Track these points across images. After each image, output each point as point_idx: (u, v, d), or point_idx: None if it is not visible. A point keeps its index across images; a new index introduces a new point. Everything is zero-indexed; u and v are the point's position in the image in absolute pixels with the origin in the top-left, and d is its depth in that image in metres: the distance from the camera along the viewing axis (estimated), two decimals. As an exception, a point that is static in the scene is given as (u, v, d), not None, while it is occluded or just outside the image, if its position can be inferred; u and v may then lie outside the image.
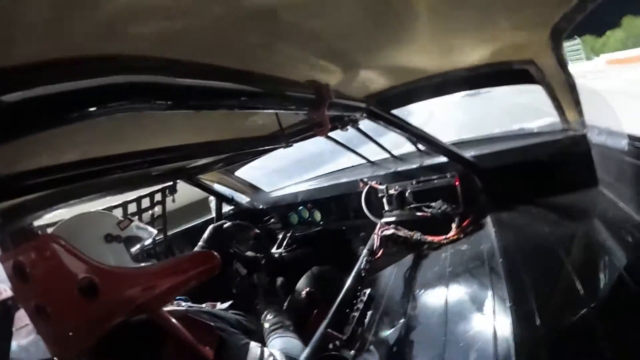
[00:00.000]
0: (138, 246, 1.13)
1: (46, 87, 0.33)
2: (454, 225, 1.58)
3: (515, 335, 0.85)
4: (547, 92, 1.36)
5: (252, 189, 2.71)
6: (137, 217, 1.83)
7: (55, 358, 0.88)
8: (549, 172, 1.52)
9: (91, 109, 0.37)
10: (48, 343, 0.87)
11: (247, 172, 2.64)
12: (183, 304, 1.26)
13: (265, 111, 0.73)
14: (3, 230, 1.07)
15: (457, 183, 1.67)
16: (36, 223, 1.36)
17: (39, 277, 0.85)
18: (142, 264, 1.06)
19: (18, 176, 0.86)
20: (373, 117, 1.38)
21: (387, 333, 1.10)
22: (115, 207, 1.70)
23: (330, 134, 1.85)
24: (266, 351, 1.03)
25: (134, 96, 0.39)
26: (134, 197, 1.91)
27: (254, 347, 1.02)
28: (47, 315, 0.85)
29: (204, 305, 1.43)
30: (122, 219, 1.10)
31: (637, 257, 0.94)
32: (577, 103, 1.33)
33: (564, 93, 1.30)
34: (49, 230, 1.03)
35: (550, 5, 0.86)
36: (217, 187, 2.53)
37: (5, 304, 1.41)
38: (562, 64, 1.16)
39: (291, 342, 1.16)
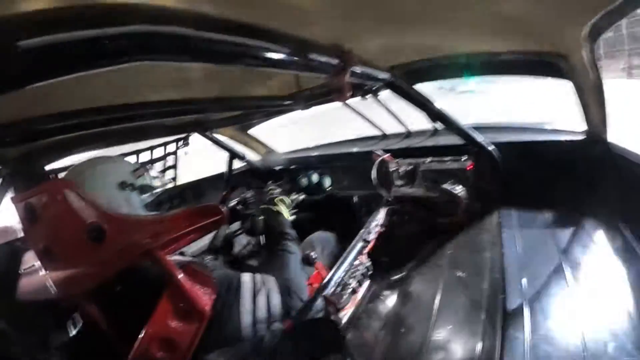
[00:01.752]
0: (149, 194, 1.16)
1: (64, 34, 0.32)
2: (460, 210, 1.58)
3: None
4: (575, 90, 1.31)
5: (264, 148, 2.71)
6: (149, 166, 1.85)
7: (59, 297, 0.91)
8: (566, 171, 1.49)
9: (109, 58, 0.36)
10: (53, 283, 0.90)
11: (261, 131, 2.63)
12: (186, 255, 1.30)
13: (285, 71, 0.71)
14: (17, 173, 1.10)
15: (470, 167, 1.64)
16: (49, 167, 1.40)
17: (48, 219, 0.88)
18: (151, 212, 1.09)
19: (32, 121, 0.87)
20: (394, 89, 1.35)
21: (381, 306, 1.14)
22: (128, 154, 1.72)
23: (348, 101, 1.81)
24: (257, 278, 1.07)
25: (153, 46, 0.38)
26: (147, 146, 1.93)
27: (245, 276, 1.06)
28: (54, 257, 0.89)
29: (206, 258, 1.48)
30: (138, 167, 1.12)
31: None
32: (602, 105, 1.28)
33: (591, 93, 1.26)
34: (62, 174, 1.05)
35: (592, 2, 0.81)
36: (230, 143, 2.54)
37: (14, 244, 1.48)
38: (594, 64, 1.11)
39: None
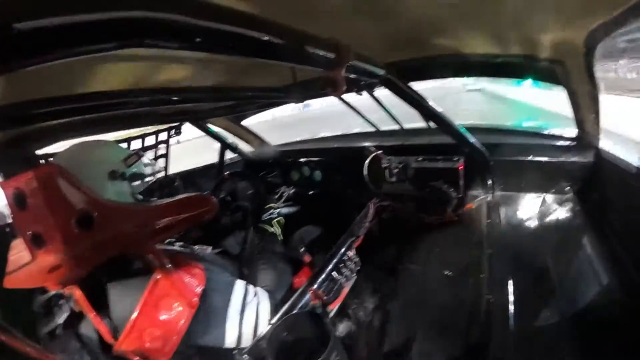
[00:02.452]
0: (140, 182, 1.14)
1: (61, 17, 0.32)
2: (449, 209, 1.60)
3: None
4: (569, 97, 1.33)
5: (257, 140, 2.70)
6: (140, 153, 1.83)
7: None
8: (555, 175, 1.52)
9: (104, 42, 0.36)
10: (41, 270, 0.89)
11: (254, 123, 2.62)
12: (176, 244, 1.29)
13: (281, 63, 0.71)
14: (7, 158, 1.07)
15: (460, 167, 1.66)
16: (40, 152, 1.37)
17: (37, 205, 0.86)
18: (141, 201, 1.08)
19: (24, 105, 0.85)
20: (389, 85, 1.35)
21: (368, 301, 1.15)
22: (119, 141, 1.69)
23: (343, 96, 1.81)
24: (250, 290, 1.07)
25: (148, 32, 0.38)
26: (139, 133, 1.90)
27: (239, 285, 1.06)
28: (43, 243, 0.88)
29: (195, 247, 1.47)
30: (129, 155, 1.10)
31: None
32: (596, 113, 1.30)
33: (586, 102, 1.27)
34: (52, 159, 1.04)
35: (592, 10, 0.82)
36: (223, 133, 2.53)
37: (2, 230, 1.46)
38: (591, 72, 1.12)
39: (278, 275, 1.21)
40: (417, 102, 1.48)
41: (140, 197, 1.11)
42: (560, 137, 1.68)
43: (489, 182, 1.63)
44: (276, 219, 1.52)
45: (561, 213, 1.39)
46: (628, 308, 0.87)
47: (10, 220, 1.44)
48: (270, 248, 1.39)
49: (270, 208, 1.56)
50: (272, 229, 1.47)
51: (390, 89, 1.38)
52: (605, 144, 1.40)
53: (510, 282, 1.05)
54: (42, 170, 0.90)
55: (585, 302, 0.96)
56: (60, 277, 0.81)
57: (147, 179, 1.19)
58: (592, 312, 0.92)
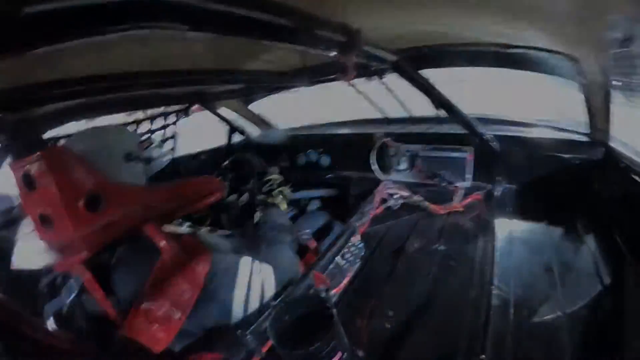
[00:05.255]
0: (154, 164, 1.15)
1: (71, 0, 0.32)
2: (455, 198, 1.59)
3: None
4: (582, 92, 1.30)
5: (264, 123, 2.69)
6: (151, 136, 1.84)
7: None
8: (565, 170, 1.50)
9: (112, 24, 0.35)
10: (49, 250, 0.90)
11: (262, 106, 2.61)
12: (183, 225, 1.30)
13: (291, 46, 0.70)
14: (17, 139, 1.08)
15: (470, 158, 1.64)
16: (49, 134, 1.39)
17: (46, 186, 0.87)
18: (150, 183, 1.09)
19: (34, 87, 0.85)
20: (400, 72, 1.33)
21: (371, 288, 1.16)
22: (128, 124, 1.70)
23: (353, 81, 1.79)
24: (256, 267, 1.08)
25: (159, 14, 0.38)
26: (148, 116, 1.91)
27: (245, 263, 1.06)
28: (51, 225, 0.88)
29: (202, 229, 1.49)
30: (144, 138, 1.11)
31: None
32: (608, 112, 1.27)
33: (598, 98, 1.25)
34: (62, 141, 1.05)
35: (609, 5, 0.79)
36: (231, 116, 2.52)
37: (11, 210, 1.49)
38: (605, 68, 1.09)
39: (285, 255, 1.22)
40: (428, 90, 1.46)
41: (150, 179, 1.12)
42: (571, 132, 1.65)
43: (498, 174, 1.62)
44: (278, 189, 1.50)
45: (568, 210, 1.37)
46: (631, 310, 0.87)
47: (18, 202, 1.46)
48: (273, 221, 1.38)
49: (270, 180, 1.53)
50: (269, 200, 1.45)
51: (401, 75, 1.36)
52: (615, 141, 1.37)
53: (513, 277, 1.05)
54: (51, 151, 0.91)
55: (587, 301, 0.96)
56: (67, 258, 0.82)
57: (161, 161, 1.20)
58: (594, 312, 0.92)
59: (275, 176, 1.64)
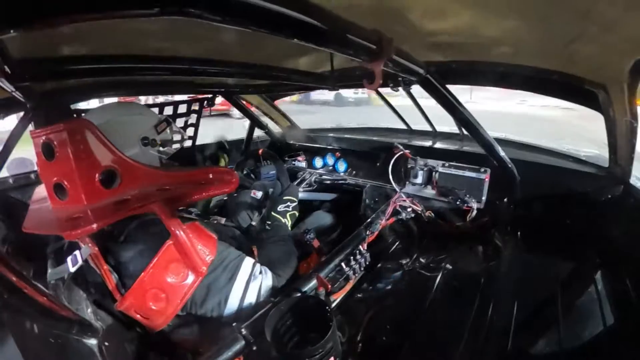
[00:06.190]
0: (168, 148, 1.17)
1: None
2: (468, 220, 1.56)
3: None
4: (606, 124, 1.26)
5: (287, 121, 2.71)
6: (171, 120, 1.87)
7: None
8: (580, 203, 1.45)
9: (146, 8, 0.36)
10: (59, 219, 0.92)
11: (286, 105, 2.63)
12: (193, 211, 1.32)
13: (321, 49, 0.70)
14: (41, 108, 1.11)
15: (486, 179, 1.61)
16: (73, 106, 1.42)
17: (65, 157, 0.89)
18: (166, 166, 1.11)
19: (64, 59, 0.88)
20: (427, 86, 1.31)
21: (372, 298, 1.15)
22: (152, 105, 1.73)
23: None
24: (257, 268, 1.09)
25: (192, 2, 0.38)
26: (172, 100, 1.94)
27: (247, 262, 1.08)
28: (64, 194, 0.91)
29: (211, 217, 1.51)
30: (160, 121, 1.13)
31: None
32: (632, 147, 1.24)
33: (623, 132, 1.21)
34: (86, 115, 1.07)
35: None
36: (254, 110, 2.55)
37: (28, 176, 1.53)
38: (631, 102, 1.06)
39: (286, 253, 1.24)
40: (453, 106, 1.44)
41: (166, 162, 1.14)
42: (592, 165, 1.60)
43: (512, 198, 1.58)
44: (290, 213, 1.51)
45: (579, 244, 1.33)
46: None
47: (35, 168, 1.50)
48: (278, 233, 1.40)
49: (288, 200, 1.55)
50: (283, 221, 1.47)
51: (428, 89, 1.35)
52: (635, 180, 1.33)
53: (516, 305, 1.02)
54: (74, 123, 0.93)
55: (588, 337, 0.93)
56: (77, 228, 0.84)
57: (175, 146, 1.22)
58: (594, 348, 0.89)
59: (292, 197, 1.65)
